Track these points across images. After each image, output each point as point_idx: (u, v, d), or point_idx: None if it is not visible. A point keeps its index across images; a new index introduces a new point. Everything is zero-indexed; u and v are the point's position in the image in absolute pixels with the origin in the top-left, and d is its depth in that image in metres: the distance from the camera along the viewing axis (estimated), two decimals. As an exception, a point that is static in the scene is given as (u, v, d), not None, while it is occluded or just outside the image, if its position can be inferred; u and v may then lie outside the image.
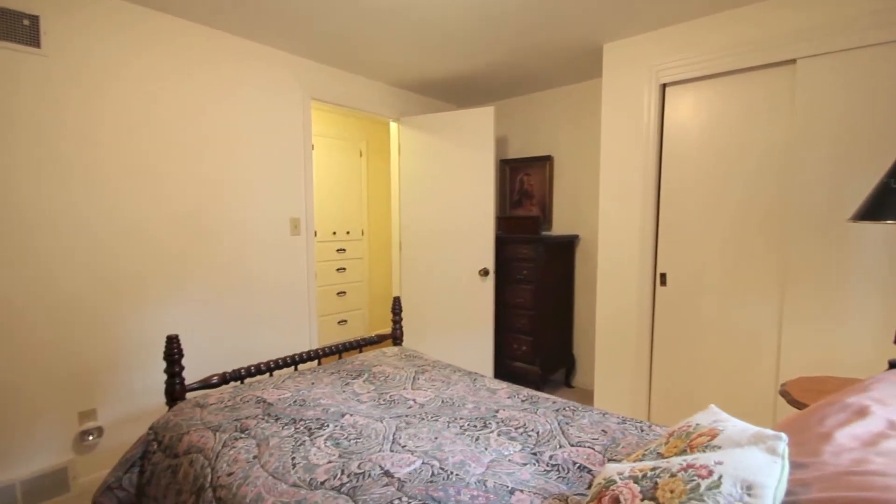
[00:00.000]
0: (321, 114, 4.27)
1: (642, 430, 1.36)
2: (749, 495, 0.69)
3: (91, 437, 2.12)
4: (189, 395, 1.79)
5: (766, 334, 2.21)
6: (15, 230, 1.90)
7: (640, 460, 0.98)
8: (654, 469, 0.82)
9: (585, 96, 3.38)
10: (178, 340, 1.63)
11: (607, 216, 2.69)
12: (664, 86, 2.49)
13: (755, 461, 0.76)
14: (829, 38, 1.96)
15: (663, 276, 2.52)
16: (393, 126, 3.65)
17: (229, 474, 1.19)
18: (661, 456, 0.95)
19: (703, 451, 0.87)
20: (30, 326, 1.95)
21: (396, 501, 1.02)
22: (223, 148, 2.54)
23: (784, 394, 1.66)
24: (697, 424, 0.98)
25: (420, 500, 1.02)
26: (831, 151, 2.00)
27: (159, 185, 2.30)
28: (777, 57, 2.10)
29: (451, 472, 1.13)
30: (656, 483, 0.77)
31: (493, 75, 3.25)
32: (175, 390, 1.64)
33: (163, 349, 2.32)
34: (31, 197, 1.94)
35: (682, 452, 0.90)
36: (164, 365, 2.32)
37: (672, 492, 0.73)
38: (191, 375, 2.38)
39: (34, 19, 1.90)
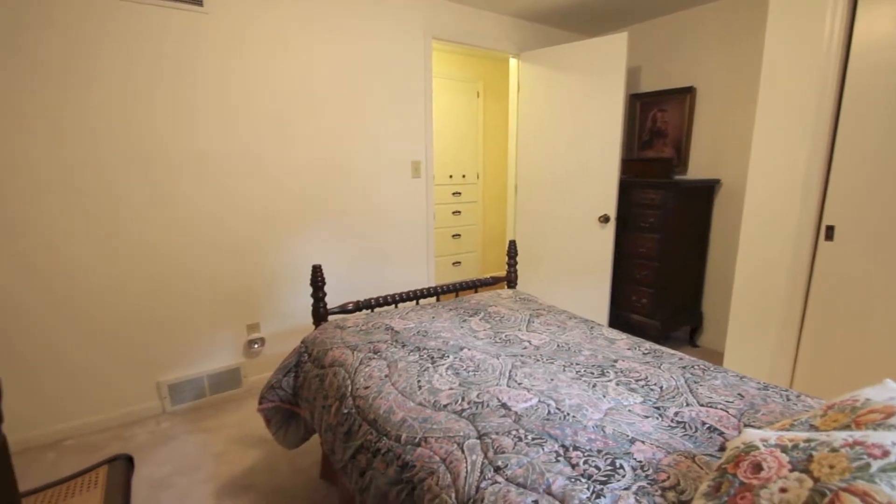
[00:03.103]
0: (438, 54, 4.22)
1: (788, 399, 1.22)
2: (939, 486, 0.59)
3: (256, 346, 2.55)
4: (330, 317, 2.04)
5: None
6: (179, 177, 2.26)
7: (788, 430, 0.89)
8: (808, 441, 0.73)
9: (741, 12, 2.83)
10: (321, 270, 1.84)
11: (761, 158, 2.31)
12: (860, -10, 1.97)
13: (950, 450, 0.64)
14: None
15: (830, 229, 2.13)
16: (512, 63, 3.48)
17: (366, 387, 1.35)
18: (814, 429, 0.85)
19: (875, 430, 0.75)
20: (208, 259, 2.37)
21: (514, 432, 1.07)
22: (350, 95, 2.68)
23: None
24: (868, 399, 0.85)
25: (536, 435, 1.06)
26: None
27: (298, 133, 2.53)
28: None
29: (568, 414, 1.15)
30: (811, 456, 0.70)
31: (629, -4, 2.87)
32: (320, 312, 1.88)
33: (304, 278, 2.66)
34: (205, 147, 2.27)
35: (846, 428, 0.79)
36: (306, 291, 2.66)
37: (832, 467, 0.65)
38: (328, 301, 2.70)
39: (197, -21, 2.12)
